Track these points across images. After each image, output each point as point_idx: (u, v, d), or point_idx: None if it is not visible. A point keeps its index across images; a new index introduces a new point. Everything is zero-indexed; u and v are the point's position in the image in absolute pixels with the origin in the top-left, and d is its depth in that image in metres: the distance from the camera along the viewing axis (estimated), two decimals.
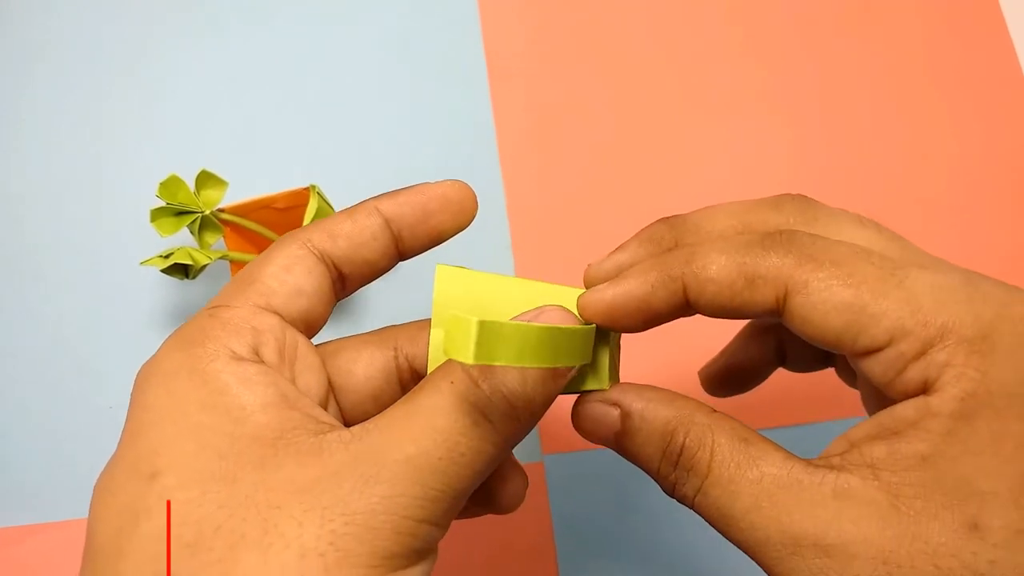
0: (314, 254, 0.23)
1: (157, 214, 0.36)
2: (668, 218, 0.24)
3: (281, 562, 0.17)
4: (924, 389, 0.19)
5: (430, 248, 0.24)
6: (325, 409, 0.23)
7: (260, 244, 0.41)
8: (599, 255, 0.44)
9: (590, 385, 0.23)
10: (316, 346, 0.24)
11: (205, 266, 0.36)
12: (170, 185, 0.36)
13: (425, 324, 0.25)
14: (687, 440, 0.21)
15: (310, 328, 0.23)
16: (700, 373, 0.30)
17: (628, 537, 0.40)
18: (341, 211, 0.24)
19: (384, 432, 0.19)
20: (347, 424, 0.22)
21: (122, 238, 0.44)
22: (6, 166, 0.46)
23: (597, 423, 0.23)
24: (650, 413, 0.22)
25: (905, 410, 0.19)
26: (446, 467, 0.19)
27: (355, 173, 0.46)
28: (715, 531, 0.21)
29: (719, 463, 0.20)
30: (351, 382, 0.24)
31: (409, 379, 0.25)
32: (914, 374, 0.19)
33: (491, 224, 0.45)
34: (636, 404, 0.22)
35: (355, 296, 0.43)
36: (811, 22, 0.49)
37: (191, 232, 0.36)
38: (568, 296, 0.24)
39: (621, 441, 0.23)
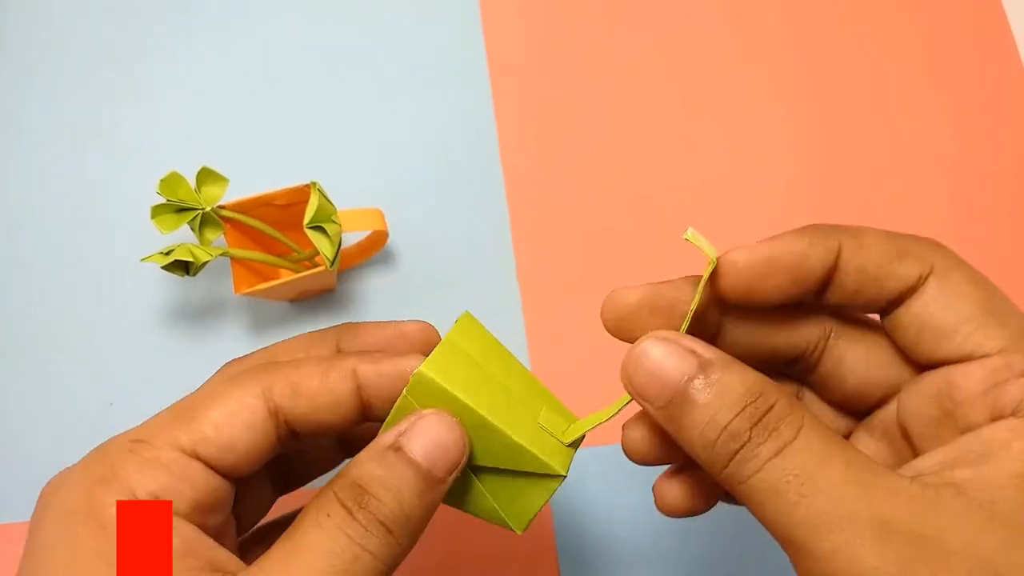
0: (267, 407, 0.22)
1: (158, 211, 0.36)
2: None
3: None
4: (1017, 411, 0.19)
5: None
6: (237, 538, 0.24)
7: (260, 241, 0.41)
8: (598, 253, 0.44)
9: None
10: (269, 362, 0.24)
11: (206, 263, 0.36)
12: (171, 182, 0.36)
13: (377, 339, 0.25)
14: (779, 403, 0.20)
15: (237, 472, 0.22)
16: (656, 487, 0.26)
17: (629, 536, 0.40)
18: (319, 360, 0.23)
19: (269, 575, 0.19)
20: (302, 432, 0.23)
21: (123, 235, 0.44)
22: (8, 164, 0.46)
23: (665, 363, 0.20)
24: (738, 367, 0.20)
25: (996, 431, 0.19)
26: None
27: (356, 171, 0.46)
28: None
29: (808, 432, 0.19)
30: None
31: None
32: (1014, 390, 0.19)
33: (491, 221, 0.45)
34: (719, 356, 0.20)
35: (353, 296, 0.43)
36: (811, 22, 0.49)
37: (192, 229, 0.36)
38: (544, 408, 0.25)
39: (687, 393, 0.20)
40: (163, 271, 0.36)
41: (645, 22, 0.49)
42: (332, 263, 0.36)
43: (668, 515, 0.25)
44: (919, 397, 0.22)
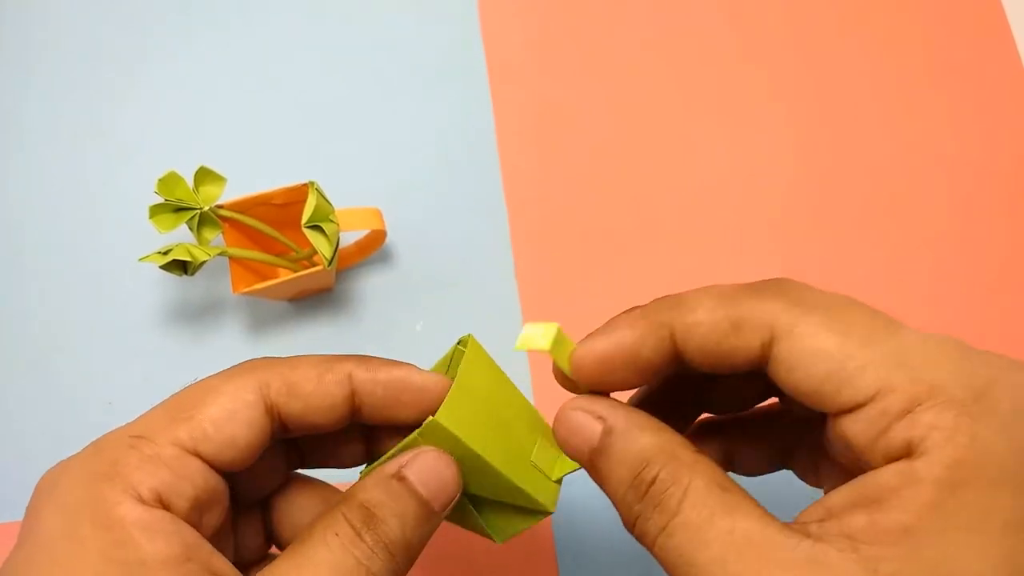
0: (264, 403, 0.22)
1: (156, 210, 0.36)
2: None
3: None
4: (908, 452, 0.18)
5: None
6: (232, 538, 0.24)
7: (258, 240, 0.41)
8: (598, 253, 0.44)
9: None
10: (274, 359, 0.24)
11: (204, 262, 0.36)
12: (169, 181, 0.36)
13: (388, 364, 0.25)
14: (661, 473, 0.19)
15: (234, 468, 0.22)
16: None
17: (628, 536, 0.40)
18: (316, 362, 0.23)
19: None
20: (293, 429, 0.23)
21: (121, 234, 0.44)
22: (8, 164, 0.46)
23: (575, 433, 0.22)
24: (632, 435, 0.20)
25: (887, 475, 0.18)
26: None
27: (356, 170, 0.46)
28: None
29: (691, 505, 0.19)
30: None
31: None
32: (898, 434, 0.18)
33: (491, 221, 0.45)
34: (620, 422, 0.21)
35: (352, 295, 0.43)
36: (811, 22, 0.49)
37: (190, 228, 0.36)
38: (539, 439, 0.25)
39: (594, 459, 0.21)
40: (161, 271, 0.36)
41: (645, 22, 0.49)
42: (330, 262, 0.36)
43: None
44: (830, 432, 0.20)
